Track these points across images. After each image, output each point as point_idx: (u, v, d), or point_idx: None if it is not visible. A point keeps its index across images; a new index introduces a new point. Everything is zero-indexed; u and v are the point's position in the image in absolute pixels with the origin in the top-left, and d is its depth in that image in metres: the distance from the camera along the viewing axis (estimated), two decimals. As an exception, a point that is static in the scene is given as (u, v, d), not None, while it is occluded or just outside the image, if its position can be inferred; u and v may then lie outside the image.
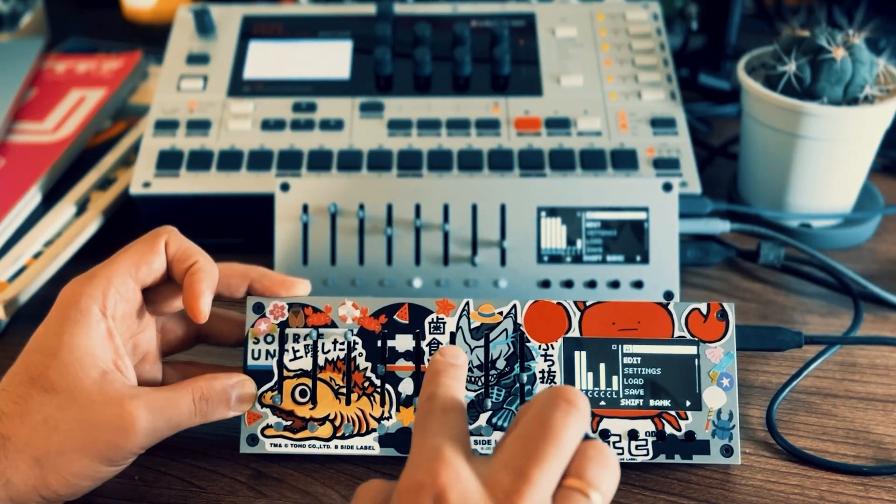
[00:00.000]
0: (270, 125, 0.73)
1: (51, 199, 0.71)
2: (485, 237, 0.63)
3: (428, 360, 0.52)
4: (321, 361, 0.53)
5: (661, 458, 0.51)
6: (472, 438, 0.51)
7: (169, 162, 0.70)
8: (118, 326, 0.49)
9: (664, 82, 0.75)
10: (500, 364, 0.52)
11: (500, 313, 0.53)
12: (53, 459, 0.45)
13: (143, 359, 0.53)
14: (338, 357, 0.53)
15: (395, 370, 0.52)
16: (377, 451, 0.51)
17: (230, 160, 0.70)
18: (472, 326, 0.53)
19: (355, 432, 0.52)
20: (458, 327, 0.53)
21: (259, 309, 0.53)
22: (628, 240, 0.63)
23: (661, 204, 0.63)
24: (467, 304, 0.53)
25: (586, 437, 0.40)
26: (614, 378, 0.52)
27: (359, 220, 0.63)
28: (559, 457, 0.38)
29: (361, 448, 0.52)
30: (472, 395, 0.52)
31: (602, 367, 0.52)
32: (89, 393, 0.46)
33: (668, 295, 0.63)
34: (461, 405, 0.42)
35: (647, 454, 0.51)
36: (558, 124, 0.72)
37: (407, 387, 0.52)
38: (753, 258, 0.67)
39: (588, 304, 0.53)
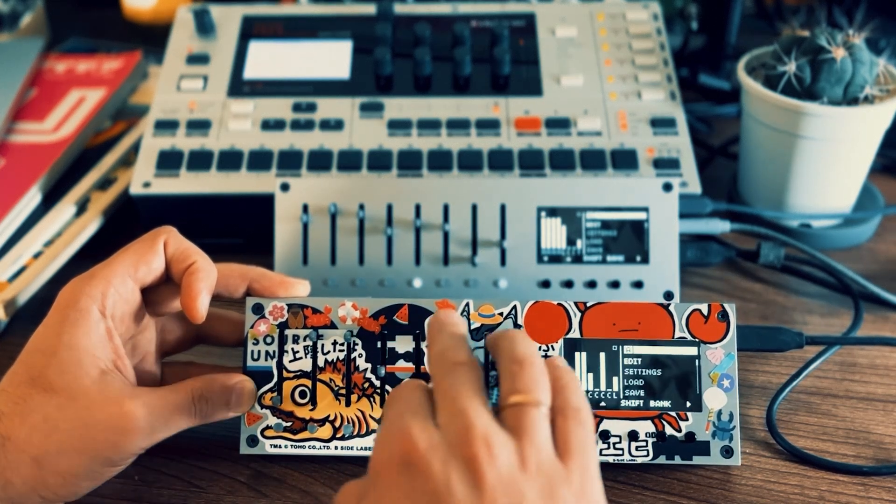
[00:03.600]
0: (270, 125, 0.73)
1: (51, 199, 0.71)
2: (485, 237, 0.63)
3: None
4: (321, 362, 0.52)
5: (662, 459, 0.51)
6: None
7: (169, 162, 0.70)
8: (118, 326, 0.49)
9: (664, 82, 0.75)
10: (500, 364, 0.52)
11: (501, 314, 0.53)
12: (53, 459, 0.45)
13: (143, 359, 0.53)
14: (337, 358, 0.53)
15: (395, 371, 0.52)
16: (377, 451, 0.51)
17: (230, 160, 0.70)
18: (473, 327, 0.53)
19: (355, 433, 0.52)
20: (458, 328, 0.53)
21: (258, 310, 0.53)
22: (628, 240, 0.63)
23: (661, 204, 0.63)
24: (467, 304, 0.53)
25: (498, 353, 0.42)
26: (615, 379, 0.52)
27: (359, 220, 0.63)
28: (461, 371, 0.40)
29: (361, 449, 0.52)
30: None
31: (602, 368, 0.52)
32: (89, 393, 0.46)
33: (669, 295, 0.63)
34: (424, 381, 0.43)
35: (648, 455, 0.51)
36: (558, 124, 0.72)
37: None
38: (753, 258, 0.67)
39: (588, 304, 0.53)
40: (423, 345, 0.52)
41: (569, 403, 0.40)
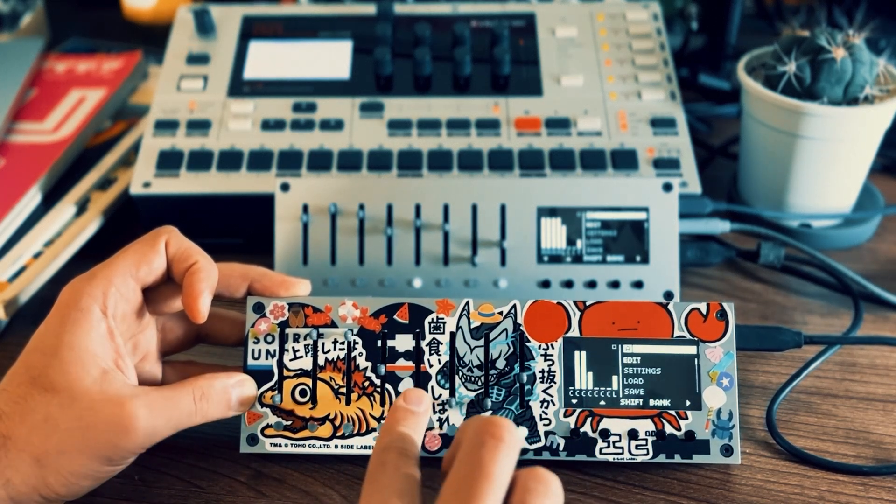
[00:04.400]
0: (270, 125, 0.73)
1: (51, 199, 0.71)
2: (485, 237, 0.63)
3: (428, 360, 0.52)
4: (321, 361, 0.53)
5: (661, 458, 0.51)
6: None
7: (169, 162, 0.70)
8: (118, 326, 0.49)
9: (664, 82, 0.75)
10: (500, 364, 0.52)
11: (500, 313, 0.53)
12: (53, 459, 0.45)
13: (143, 358, 0.53)
14: (338, 357, 0.53)
15: (395, 370, 0.52)
16: (377, 450, 0.51)
17: (230, 160, 0.70)
18: (472, 326, 0.53)
19: (355, 432, 0.52)
20: (458, 327, 0.53)
21: (259, 309, 0.53)
22: (628, 240, 0.63)
23: (661, 204, 0.63)
24: (467, 303, 0.53)
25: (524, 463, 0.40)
26: (614, 378, 0.52)
27: (359, 220, 0.63)
28: (494, 493, 0.38)
29: (361, 448, 0.52)
30: (472, 394, 0.52)
31: (602, 366, 0.52)
32: (89, 392, 0.46)
33: (668, 295, 0.63)
34: (414, 462, 0.42)
35: (647, 454, 0.51)
36: (558, 124, 0.72)
37: (407, 387, 0.52)
38: (753, 258, 0.67)
39: (588, 303, 0.53)
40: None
41: None
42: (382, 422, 0.46)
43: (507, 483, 0.38)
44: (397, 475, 0.40)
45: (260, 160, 0.70)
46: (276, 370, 0.52)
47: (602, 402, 0.52)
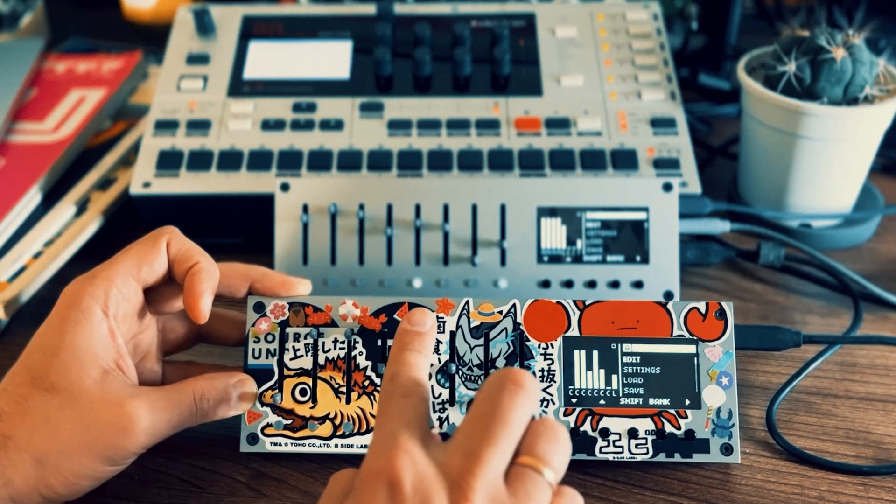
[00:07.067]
0: (270, 125, 0.73)
1: (51, 199, 0.71)
2: (485, 237, 0.63)
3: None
4: (321, 360, 0.53)
5: (661, 457, 0.51)
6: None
7: (169, 162, 0.70)
8: (120, 326, 0.49)
9: (664, 82, 0.75)
10: (500, 363, 0.52)
11: (500, 312, 0.53)
12: (54, 459, 0.45)
13: (144, 358, 0.53)
14: (338, 356, 0.53)
15: (396, 370, 0.52)
16: (377, 450, 0.52)
17: (230, 160, 0.70)
18: (472, 325, 0.53)
19: (355, 431, 0.52)
20: (457, 326, 0.53)
21: (260, 308, 0.53)
22: (628, 240, 0.63)
23: (661, 204, 0.63)
24: (467, 303, 0.53)
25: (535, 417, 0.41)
26: (614, 377, 0.52)
27: (359, 220, 0.63)
28: (508, 436, 0.39)
29: (361, 447, 0.52)
30: (472, 393, 0.52)
31: (601, 366, 0.52)
32: (90, 393, 0.46)
33: (668, 295, 0.63)
34: (423, 388, 0.43)
35: (647, 453, 0.51)
36: (558, 124, 0.72)
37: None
38: (753, 258, 0.67)
39: (587, 303, 0.53)
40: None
41: (565, 489, 0.40)
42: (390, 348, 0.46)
43: (522, 429, 0.40)
44: (405, 405, 0.41)
45: (260, 160, 0.70)
46: (276, 369, 0.52)
47: (602, 401, 0.52)
